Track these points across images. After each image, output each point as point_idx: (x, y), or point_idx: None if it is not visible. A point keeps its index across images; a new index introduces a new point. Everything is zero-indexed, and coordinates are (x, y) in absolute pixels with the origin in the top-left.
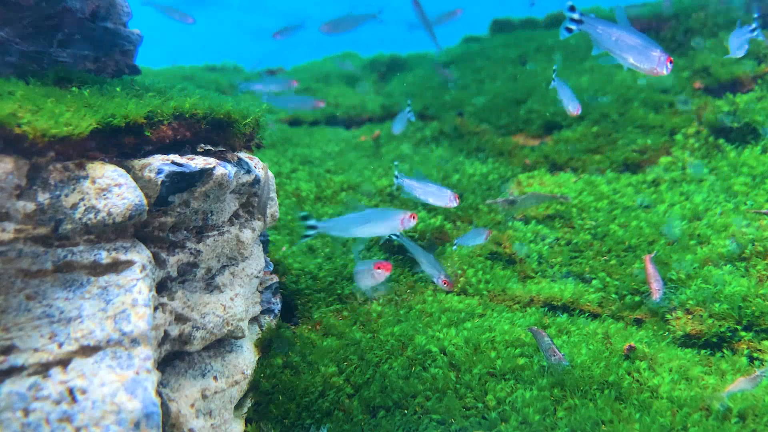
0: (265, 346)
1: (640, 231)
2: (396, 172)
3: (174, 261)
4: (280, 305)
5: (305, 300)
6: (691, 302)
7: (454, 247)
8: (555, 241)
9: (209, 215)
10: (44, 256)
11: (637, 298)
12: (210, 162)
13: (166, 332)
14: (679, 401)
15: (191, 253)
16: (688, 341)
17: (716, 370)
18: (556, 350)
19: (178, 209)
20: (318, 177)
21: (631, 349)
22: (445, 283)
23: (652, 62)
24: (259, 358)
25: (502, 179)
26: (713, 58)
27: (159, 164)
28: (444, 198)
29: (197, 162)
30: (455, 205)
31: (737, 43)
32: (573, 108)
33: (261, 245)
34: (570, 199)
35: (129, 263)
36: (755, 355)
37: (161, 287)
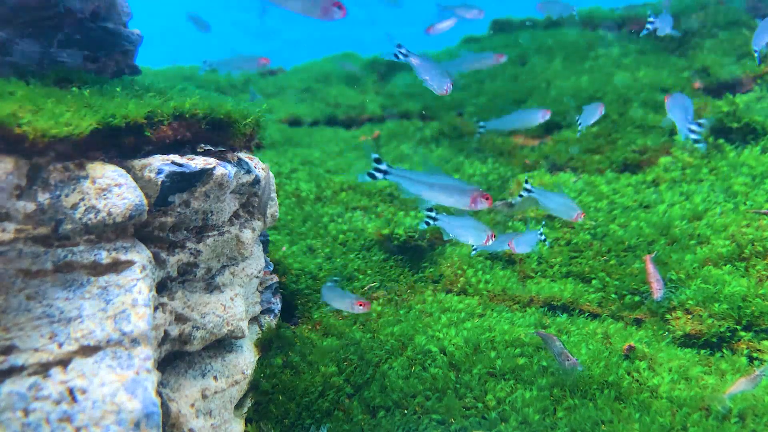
0: (265, 346)
1: (640, 231)
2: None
3: (174, 261)
4: (280, 305)
5: (305, 300)
6: (690, 302)
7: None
8: (555, 241)
9: (209, 215)
10: (44, 256)
11: (636, 298)
12: (210, 162)
13: (166, 332)
14: (678, 401)
15: (191, 253)
16: (688, 341)
17: (716, 370)
18: (570, 355)
19: (178, 209)
20: (318, 177)
21: (631, 349)
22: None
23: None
24: (259, 358)
25: (501, 179)
26: (713, 58)
27: (159, 164)
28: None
29: (197, 162)
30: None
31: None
32: None
33: (261, 245)
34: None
35: (129, 263)
36: (755, 355)
37: (161, 287)
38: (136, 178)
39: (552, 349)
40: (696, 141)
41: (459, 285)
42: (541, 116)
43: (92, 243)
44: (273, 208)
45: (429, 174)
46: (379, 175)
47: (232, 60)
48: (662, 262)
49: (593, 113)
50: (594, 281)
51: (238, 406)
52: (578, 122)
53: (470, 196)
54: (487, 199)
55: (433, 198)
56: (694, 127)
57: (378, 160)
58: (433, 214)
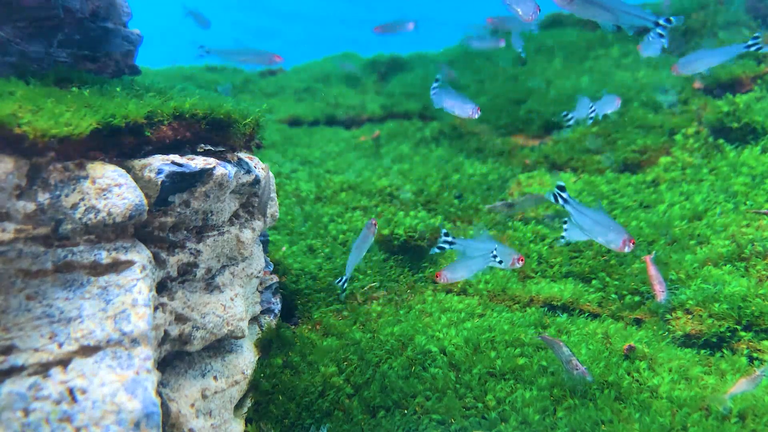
0: (265, 346)
1: (640, 231)
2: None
3: (174, 261)
4: (280, 305)
5: (305, 300)
6: (690, 302)
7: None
8: (554, 240)
9: (209, 215)
10: (44, 256)
11: (637, 298)
12: (210, 162)
13: (166, 332)
14: (678, 401)
15: (191, 253)
16: (688, 341)
17: (716, 370)
18: (579, 364)
19: (178, 209)
20: (318, 177)
21: (631, 349)
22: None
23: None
24: (259, 358)
25: (501, 179)
26: None
27: (159, 164)
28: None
29: (197, 162)
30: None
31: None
32: None
33: (261, 245)
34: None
35: (129, 263)
36: (755, 355)
37: (161, 287)
38: (136, 178)
39: (559, 356)
40: (660, 35)
41: (459, 285)
42: None
43: (92, 243)
44: (273, 208)
45: (596, 211)
46: (559, 200)
47: (236, 51)
48: (662, 262)
49: (611, 103)
50: (594, 281)
51: (238, 406)
52: (592, 108)
53: (622, 240)
54: (633, 244)
55: (591, 232)
56: (661, 21)
57: (562, 188)
58: (449, 239)
